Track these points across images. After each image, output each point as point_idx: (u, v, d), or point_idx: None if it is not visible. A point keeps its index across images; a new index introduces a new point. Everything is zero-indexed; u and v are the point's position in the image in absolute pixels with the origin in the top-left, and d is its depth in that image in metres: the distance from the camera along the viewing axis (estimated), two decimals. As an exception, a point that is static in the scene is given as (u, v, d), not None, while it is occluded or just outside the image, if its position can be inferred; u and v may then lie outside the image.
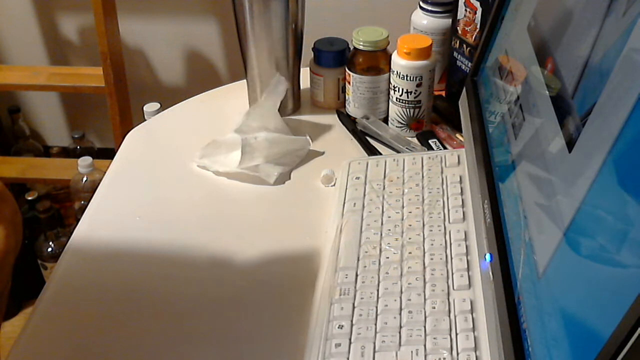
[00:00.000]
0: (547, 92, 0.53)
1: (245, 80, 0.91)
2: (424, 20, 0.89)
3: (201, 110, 0.95)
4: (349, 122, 0.88)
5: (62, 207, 1.67)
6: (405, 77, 0.81)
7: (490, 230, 0.56)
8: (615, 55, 0.42)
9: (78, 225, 0.74)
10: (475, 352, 0.53)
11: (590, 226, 0.41)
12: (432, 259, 0.62)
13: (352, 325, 0.57)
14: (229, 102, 0.94)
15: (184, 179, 0.80)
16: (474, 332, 0.55)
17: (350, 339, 0.56)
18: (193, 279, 0.66)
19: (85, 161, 1.43)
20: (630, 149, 0.38)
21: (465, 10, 0.82)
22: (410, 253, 0.63)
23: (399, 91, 0.83)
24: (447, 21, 0.88)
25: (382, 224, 0.68)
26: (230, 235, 0.71)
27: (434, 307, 0.57)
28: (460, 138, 0.83)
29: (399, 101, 0.84)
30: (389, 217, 0.68)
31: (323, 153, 0.84)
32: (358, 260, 0.64)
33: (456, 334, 0.55)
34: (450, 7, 0.87)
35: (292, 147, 0.81)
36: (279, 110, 0.84)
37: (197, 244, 0.70)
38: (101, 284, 0.66)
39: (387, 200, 0.71)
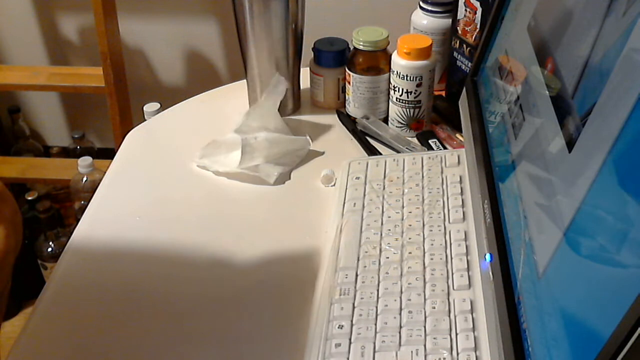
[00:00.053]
0: (547, 92, 0.53)
1: (245, 80, 0.91)
2: (424, 20, 0.89)
3: (201, 110, 0.95)
4: (349, 122, 0.88)
5: (62, 207, 1.67)
6: (405, 77, 0.81)
7: (490, 230, 0.56)
8: (615, 55, 0.42)
9: (78, 225, 0.74)
10: (475, 352, 0.53)
11: (590, 226, 0.41)
12: (432, 259, 0.62)
13: (352, 325, 0.57)
14: (229, 102, 0.94)
15: (184, 179, 0.80)
16: (474, 332, 0.55)
17: (350, 339, 0.56)
18: (193, 279, 0.66)
19: (85, 161, 1.43)
20: (630, 149, 0.38)
21: (465, 10, 0.82)
22: (410, 253, 0.63)
23: (399, 91, 0.83)
24: (447, 21, 0.88)
25: (382, 224, 0.68)
26: (230, 235, 0.71)
27: (434, 307, 0.57)
28: (460, 138, 0.83)
29: (399, 101, 0.84)
30: (389, 217, 0.68)
31: (323, 153, 0.84)
32: (358, 260, 0.64)
33: (456, 334, 0.55)
34: (450, 7, 0.87)
35: (292, 147, 0.81)
36: (279, 110, 0.84)
37: (197, 244, 0.70)
38: (101, 284, 0.66)
39: (387, 200, 0.71)
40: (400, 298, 0.59)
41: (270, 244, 0.70)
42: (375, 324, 0.57)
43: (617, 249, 0.37)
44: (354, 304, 0.59)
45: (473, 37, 0.83)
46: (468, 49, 0.84)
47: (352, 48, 0.86)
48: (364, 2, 1.53)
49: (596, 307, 0.38)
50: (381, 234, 0.66)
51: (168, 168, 0.83)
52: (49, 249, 1.48)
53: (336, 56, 0.88)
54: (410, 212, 0.68)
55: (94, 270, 0.68)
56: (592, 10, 0.48)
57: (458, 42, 0.86)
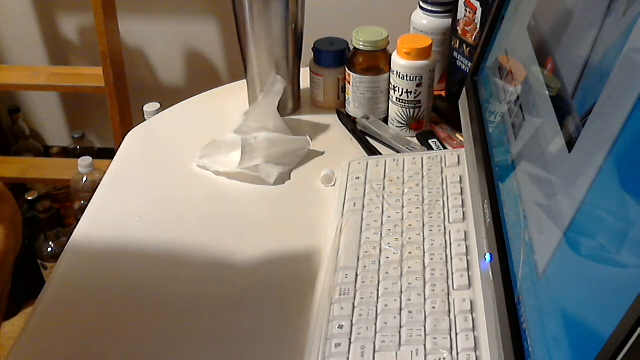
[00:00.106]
0: (547, 92, 0.53)
1: (245, 80, 0.91)
2: (424, 20, 0.89)
3: (201, 110, 0.95)
4: (349, 122, 0.88)
5: (62, 207, 1.67)
6: (405, 77, 0.81)
7: (490, 230, 0.56)
8: (615, 55, 0.42)
9: (78, 225, 0.74)
10: (475, 352, 0.53)
11: (590, 226, 0.41)
12: (432, 259, 0.62)
13: (352, 325, 0.57)
14: (229, 102, 0.94)
15: (184, 179, 0.80)
16: (474, 332, 0.55)
17: (350, 339, 0.56)
18: (193, 279, 0.66)
19: (85, 161, 1.43)
20: (630, 149, 0.38)
21: (465, 10, 0.82)
22: (410, 253, 0.63)
23: (399, 91, 0.83)
24: (447, 21, 0.88)
25: (382, 224, 0.68)
26: (230, 235, 0.71)
27: (434, 307, 0.57)
28: (460, 138, 0.83)
29: (399, 101, 0.84)
30: (389, 217, 0.68)
31: (323, 153, 0.84)
32: (358, 260, 0.64)
33: (456, 334, 0.55)
34: (450, 7, 0.87)
35: (292, 147, 0.81)
36: (278, 110, 0.84)
37: (197, 244, 0.70)
38: (101, 284, 0.66)
39: (387, 200, 0.71)
40: (400, 298, 0.59)
41: (270, 244, 0.70)
42: (375, 324, 0.57)
43: (617, 249, 0.37)
44: (354, 304, 0.59)
45: (473, 37, 0.83)
46: (468, 49, 0.84)
47: (352, 48, 0.86)
48: (364, 2, 1.53)
49: (596, 307, 0.38)
50: (381, 234, 0.66)
51: (168, 168, 0.83)
52: (49, 249, 1.48)
53: (336, 56, 0.88)
54: (410, 212, 0.68)
55: (94, 270, 0.68)
56: (592, 10, 0.48)
57: (458, 42, 0.86)
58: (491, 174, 0.62)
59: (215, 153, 0.81)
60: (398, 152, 0.82)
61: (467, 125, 0.71)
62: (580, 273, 0.41)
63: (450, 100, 0.89)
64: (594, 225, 0.41)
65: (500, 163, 0.61)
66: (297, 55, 0.88)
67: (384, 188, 0.73)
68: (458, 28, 0.85)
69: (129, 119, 1.55)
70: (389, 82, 0.85)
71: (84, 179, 1.47)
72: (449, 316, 0.56)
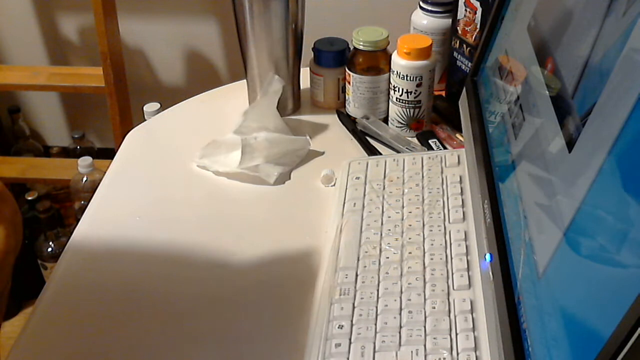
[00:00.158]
0: (547, 92, 0.53)
1: (245, 80, 0.91)
2: (424, 20, 0.89)
3: (201, 110, 0.95)
4: (349, 122, 0.88)
5: (62, 207, 1.67)
6: (405, 77, 0.81)
7: (490, 230, 0.56)
8: (615, 55, 0.42)
9: (78, 225, 0.74)
10: (475, 352, 0.53)
11: (590, 226, 0.41)
12: (432, 259, 0.62)
13: (352, 325, 0.57)
14: (229, 102, 0.94)
15: (184, 179, 0.80)
16: (474, 332, 0.55)
17: (350, 339, 0.56)
18: (193, 279, 0.66)
19: (85, 161, 1.43)
20: (630, 149, 0.38)
21: (465, 10, 0.82)
22: (410, 253, 0.63)
23: (399, 91, 0.83)
24: (447, 21, 0.88)
25: (382, 224, 0.68)
26: (230, 235, 0.71)
27: (434, 307, 0.57)
28: (460, 138, 0.83)
29: (399, 101, 0.84)
30: (389, 217, 0.68)
31: (323, 153, 0.84)
32: (358, 260, 0.64)
33: (456, 334, 0.55)
34: (450, 7, 0.87)
35: (292, 147, 0.81)
36: (278, 110, 0.84)
37: (197, 244, 0.70)
38: (101, 284, 0.66)
39: (387, 200, 0.71)
40: (400, 298, 0.59)
41: (270, 244, 0.70)
42: (375, 324, 0.57)
43: (617, 249, 0.37)
44: (354, 304, 0.59)
45: (473, 37, 0.83)
46: (468, 49, 0.84)
47: (352, 48, 0.86)
48: (364, 2, 1.53)
49: (596, 307, 0.38)
50: (381, 234, 0.66)
51: (168, 168, 0.83)
52: (49, 249, 1.48)
53: (336, 56, 0.88)
54: (410, 212, 0.68)
55: (94, 270, 0.68)
56: (592, 10, 0.48)
57: (458, 42, 0.86)
58: (491, 174, 0.62)
59: (215, 153, 0.81)
60: (398, 152, 0.82)
61: (467, 125, 0.71)
62: (580, 273, 0.41)
63: (450, 100, 0.89)
64: (594, 225, 0.41)
65: (500, 163, 0.61)
66: (297, 55, 0.88)
67: (384, 188, 0.73)
68: (458, 28, 0.85)
69: (129, 119, 1.55)
70: (389, 82, 0.85)
71: (84, 179, 1.47)
72: (449, 316, 0.56)
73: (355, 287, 0.60)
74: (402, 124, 0.85)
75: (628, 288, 0.34)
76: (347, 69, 0.86)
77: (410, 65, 0.81)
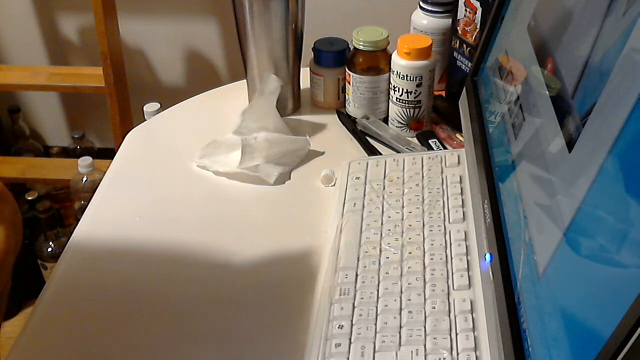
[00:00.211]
0: (547, 92, 0.53)
1: (245, 80, 0.91)
2: (424, 20, 0.89)
3: (201, 110, 0.95)
4: (349, 122, 0.88)
5: (62, 207, 1.67)
6: (405, 77, 0.81)
7: (490, 230, 0.56)
8: (615, 55, 0.42)
9: (78, 225, 0.74)
10: (475, 352, 0.53)
11: (590, 226, 0.41)
12: (432, 259, 0.62)
13: (352, 325, 0.57)
14: (229, 102, 0.94)
15: (184, 179, 0.80)
16: (474, 332, 0.55)
17: (350, 339, 0.56)
18: (193, 279, 0.66)
19: (85, 161, 1.43)
20: (630, 149, 0.38)
21: (465, 10, 0.82)
22: (410, 253, 0.63)
23: (399, 91, 0.83)
24: (447, 21, 0.88)
25: (382, 224, 0.68)
26: (230, 235, 0.71)
27: (434, 307, 0.57)
28: (460, 138, 0.83)
29: (399, 101, 0.84)
30: (389, 217, 0.68)
31: (323, 153, 0.84)
32: (358, 260, 0.64)
33: (456, 334, 0.55)
34: (450, 7, 0.87)
35: (292, 147, 0.81)
36: (278, 110, 0.84)
37: (197, 244, 0.70)
38: (101, 284, 0.66)
39: (387, 200, 0.71)
40: (400, 298, 0.59)
41: (270, 244, 0.70)
42: (375, 324, 0.57)
43: (617, 249, 0.37)
44: (354, 304, 0.59)
45: (473, 37, 0.83)
46: (468, 49, 0.84)
47: (352, 48, 0.86)
48: (364, 2, 1.53)
49: (596, 307, 0.38)
50: (381, 234, 0.66)
51: (168, 168, 0.83)
52: (49, 249, 1.48)
53: (336, 56, 0.88)
54: (410, 212, 0.68)
55: (94, 270, 0.68)
56: (592, 10, 0.48)
57: (458, 42, 0.86)
58: (491, 174, 0.62)
59: (215, 153, 0.81)
60: (398, 152, 0.82)
61: (467, 125, 0.71)
62: (580, 273, 0.41)
63: (450, 100, 0.89)
64: (594, 225, 0.41)
65: (500, 163, 0.61)
66: (297, 55, 0.88)
67: (384, 188, 0.73)
68: (458, 28, 0.85)
69: (129, 119, 1.55)
70: (389, 82, 0.85)
71: (84, 179, 1.47)
72: (449, 316, 0.56)
73: (355, 287, 0.60)
74: (402, 124, 0.85)
75: (628, 288, 0.34)
76: (347, 69, 0.86)
77: (410, 65, 0.81)
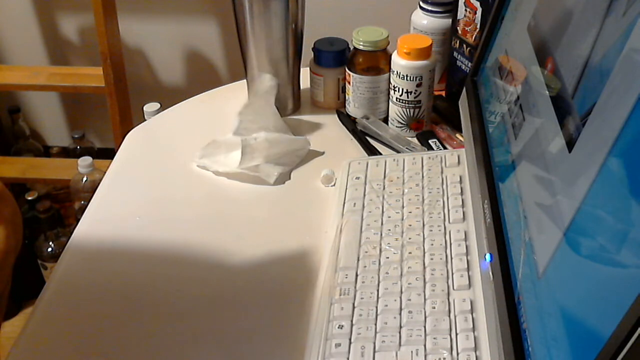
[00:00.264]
0: (547, 92, 0.53)
1: (245, 80, 0.91)
2: (424, 20, 0.89)
3: (201, 110, 0.95)
4: (349, 122, 0.88)
5: (62, 207, 1.67)
6: (405, 77, 0.81)
7: (490, 230, 0.56)
8: (615, 55, 0.42)
9: (78, 225, 0.74)
10: (475, 352, 0.53)
11: (590, 226, 0.41)
12: (432, 259, 0.62)
13: (352, 325, 0.57)
14: (229, 102, 0.94)
15: (183, 179, 0.80)
16: (474, 332, 0.55)
17: (350, 339, 0.56)
18: (193, 279, 0.66)
19: (85, 161, 1.43)
20: (630, 149, 0.38)
21: (465, 10, 0.82)
22: (410, 253, 0.63)
23: (399, 91, 0.83)
24: (447, 21, 0.88)
25: (382, 224, 0.68)
26: (230, 235, 0.71)
27: (434, 307, 0.57)
28: (460, 138, 0.83)
29: (399, 101, 0.84)
30: (389, 217, 0.68)
31: (323, 153, 0.84)
32: (358, 260, 0.64)
33: (456, 334, 0.55)
34: (450, 7, 0.87)
35: (292, 147, 0.81)
36: (278, 110, 0.84)
37: (197, 244, 0.70)
38: (101, 283, 0.66)
39: (387, 200, 0.71)
40: (400, 298, 0.59)
41: (270, 244, 0.70)
42: (375, 324, 0.57)
43: (617, 249, 0.37)
44: (354, 304, 0.59)
45: (473, 37, 0.83)
46: (468, 49, 0.84)
47: (352, 48, 0.86)
48: (364, 2, 1.53)
49: (596, 307, 0.38)
50: (381, 234, 0.66)
51: (168, 168, 0.83)
52: (49, 249, 1.48)
53: (336, 56, 0.88)
54: (410, 212, 0.68)
55: (94, 270, 0.68)
56: (592, 10, 0.48)
57: (458, 42, 0.86)
58: (491, 174, 0.62)
59: (215, 153, 0.81)
60: (398, 152, 0.82)
61: (467, 125, 0.71)
62: (580, 273, 0.41)
63: (450, 100, 0.89)
64: (594, 225, 0.41)
65: (500, 163, 0.61)
66: (297, 55, 0.88)
67: (384, 188, 0.73)
68: (458, 28, 0.85)
69: (129, 119, 1.55)
70: (389, 82, 0.85)
71: (84, 179, 1.47)
72: (449, 316, 0.56)
73: (355, 287, 0.60)
74: (402, 124, 0.85)
75: (628, 288, 0.34)
76: (347, 69, 0.86)
77: (410, 65, 0.81)
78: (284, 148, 0.80)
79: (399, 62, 0.81)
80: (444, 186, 0.71)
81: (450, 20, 0.87)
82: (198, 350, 0.59)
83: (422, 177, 0.73)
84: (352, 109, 0.88)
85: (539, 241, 0.48)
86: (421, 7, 0.90)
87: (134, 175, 0.82)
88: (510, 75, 0.64)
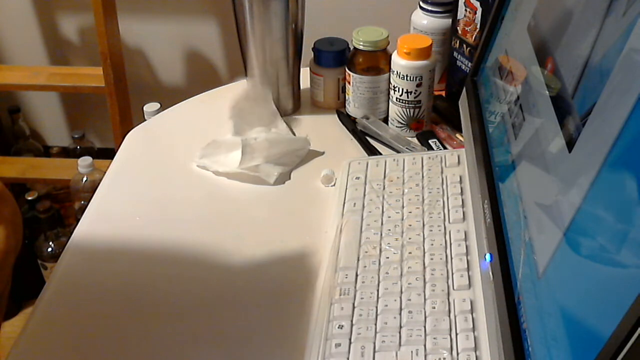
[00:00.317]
0: (547, 92, 0.53)
1: (245, 80, 0.91)
2: (424, 20, 0.89)
3: (201, 110, 0.95)
4: (349, 122, 0.88)
5: (62, 207, 1.67)
6: (405, 77, 0.81)
7: (490, 230, 0.56)
8: (615, 55, 0.42)
9: (78, 225, 0.74)
10: (475, 352, 0.53)
11: (590, 226, 0.41)
12: (432, 259, 0.62)
13: (352, 325, 0.57)
14: (229, 102, 0.94)
15: (184, 179, 0.80)
16: (474, 332, 0.55)
17: (350, 339, 0.56)
18: (193, 279, 0.66)
19: (85, 161, 1.43)
20: (630, 149, 0.38)
21: (465, 10, 0.82)
22: (410, 253, 0.63)
23: (399, 91, 0.83)
24: (447, 21, 0.88)
25: (382, 224, 0.67)
26: (230, 235, 0.71)
27: (434, 307, 0.57)
28: (460, 138, 0.83)
29: (399, 101, 0.84)
30: (389, 217, 0.68)
31: (323, 153, 0.84)
32: (358, 260, 0.64)
33: (456, 334, 0.55)
34: (450, 7, 0.87)
35: (292, 147, 0.81)
36: (278, 110, 0.84)
37: (197, 243, 0.70)
38: (101, 283, 0.66)
39: (387, 200, 0.71)
40: (400, 298, 0.59)
41: (270, 244, 0.70)
42: (375, 324, 0.57)
43: (617, 249, 0.37)
44: (354, 304, 0.59)
45: (473, 37, 0.83)
46: (468, 49, 0.84)
47: (352, 48, 0.86)
48: (364, 2, 1.53)
49: (596, 307, 0.38)
50: (381, 234, 0.66)
51: (168, 168, 0.83)
52: (49, 249, 1.48)
53: (336, 56, 0.88)
54: (410, 212, 0.68)
55: (94, 270, 0.68)
56: (592, 10, 0.48)
57: (458, 42, 0.86)
58: (491, 174, 0.62)
59: (215, 153, 0.81)
60: (398, 152, 0.82)
61: (467, 125, 0.71)
62: (580, 273, 0.41)
63: (450, 100, 0.89)
64: (594, 225, 0.41)
65: (500, 163, 0.61)
66: (297, 55, 0.88)
67: (384, 188, 0.73)
68: (458, 28, 0.85)
69: (129, 119, 1.55)
70: (389, 82, 0.85)
71: (84, 179, 1.47)
72: (449, 316, 0.56)
73: (355, 287, 0.60)
74: (402, 124, 0.85)
75: (628, 288, 0.34)
76: (347, 69, 0.86)
77: (410, 65, 0.81)
78: (284, 148, 0.80)
79: (399, 62, 0.81)
80: (444, 186, 0.71)
81: (450, 20, 0.87)
82: (198, 350, 0.59)
83: (422, 177, 0.73)
84: (352, 109, 0.88)
85: (539, 241, 0.48)
86: (421, 7, 0.90)
87: (134, 175, 0.82)
88: (510, 75, 0.64)
